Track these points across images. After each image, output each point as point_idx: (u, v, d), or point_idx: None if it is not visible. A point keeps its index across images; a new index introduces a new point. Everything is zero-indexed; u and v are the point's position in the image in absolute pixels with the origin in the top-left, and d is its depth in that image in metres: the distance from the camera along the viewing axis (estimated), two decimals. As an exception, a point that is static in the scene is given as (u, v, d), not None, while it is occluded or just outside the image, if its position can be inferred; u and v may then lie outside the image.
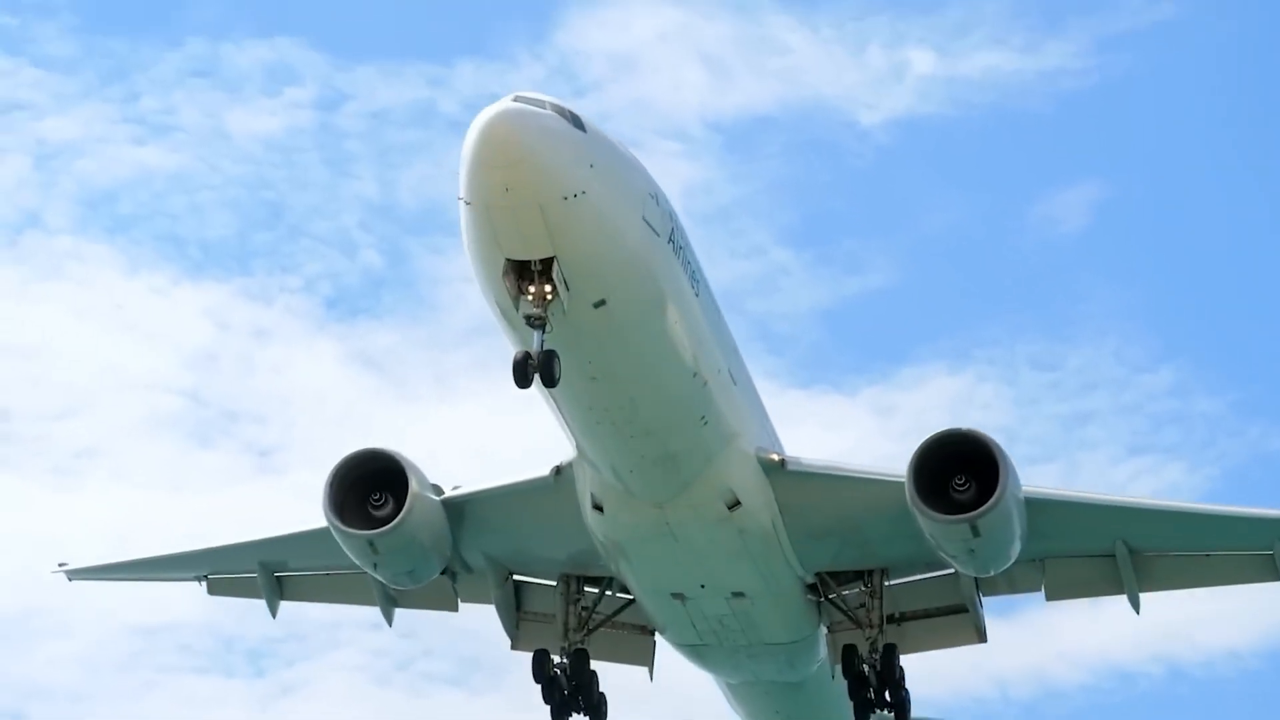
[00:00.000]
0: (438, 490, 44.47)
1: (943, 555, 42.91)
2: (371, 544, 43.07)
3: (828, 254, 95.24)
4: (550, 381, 35.85)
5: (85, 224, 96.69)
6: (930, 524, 41.47)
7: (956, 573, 46.03)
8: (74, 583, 51.20)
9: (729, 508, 42.46)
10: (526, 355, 35.75)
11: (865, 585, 46.47)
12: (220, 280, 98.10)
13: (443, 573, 46.59)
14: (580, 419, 39.54)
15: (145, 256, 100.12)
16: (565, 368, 37.28)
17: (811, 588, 46.53)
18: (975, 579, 46.28)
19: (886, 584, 46.64)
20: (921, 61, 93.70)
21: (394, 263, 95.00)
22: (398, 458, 43.32)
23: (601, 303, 36.28)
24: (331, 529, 43.33)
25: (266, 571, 48.64)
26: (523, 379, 35.72)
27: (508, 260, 35.32)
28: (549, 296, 35.58)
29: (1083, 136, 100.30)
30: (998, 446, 41.19)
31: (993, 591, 47.17)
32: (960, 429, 41.63)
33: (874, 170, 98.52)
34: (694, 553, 43.62)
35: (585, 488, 42.87)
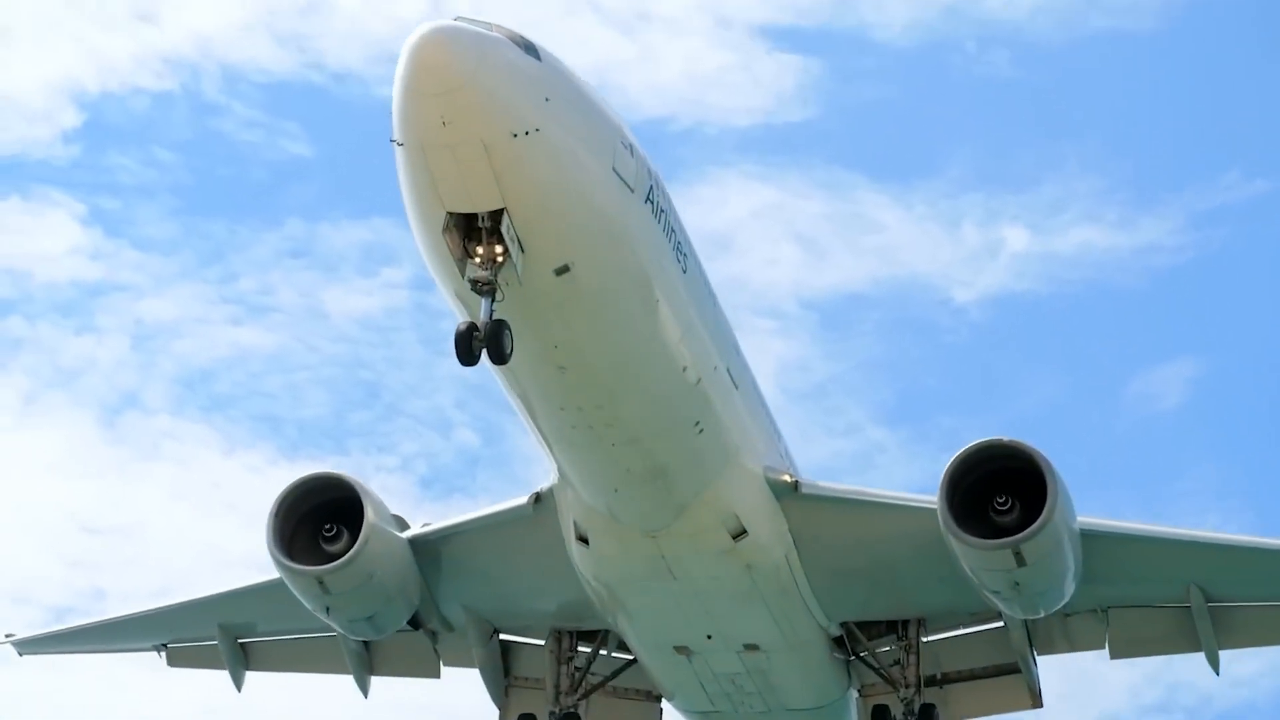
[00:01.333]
0: (402, 524, 38.64)
1: (986, 595, 36.72)
2: (321, 582, 37.25)
3: (924, 431, 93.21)
4: (499, 357, 29.98)
5: (183, 404, 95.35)
6: (967, 552, 35.33)
7: (1006, 626, 39.87)
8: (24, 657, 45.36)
9: (733, 538, 36.44)
10: (471, 326, 29.92)
11: (900, 639, 40.28)
12: (316, 459, 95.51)
13: (420, 628, 40.85)
14: (553, 424, 33.69)
15: (242, 436, 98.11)
16: (529, 354, 31.59)
17: (839, 643, 40.38)
18: (1028, 633, 40.08)
19: (924, 639, 40.45)
20: (1015, 239, 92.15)
21: (489, 441, 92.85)
22: (353, 484, 37.58)
23: (564, 269, 30.48)
24: (276, 566, 37.51)
25: (229, 637, 42.80)
26: (467, 354, 29.86)
27: (450, 214, 29.56)
28: (499, 259, 29.78)
29: (1179, 312, 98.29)
30: (1046, 461, 35.11)
31: (1050, 649, 40.92)
32: (1002, 439, 35.56)
33: (969, 347, 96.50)
34: (696, 594, 37.59)
35: (568, 515, 36.99)
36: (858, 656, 40.59)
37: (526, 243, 29.70)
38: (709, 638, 38.90)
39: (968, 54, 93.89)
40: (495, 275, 29.66)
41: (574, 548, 37.34)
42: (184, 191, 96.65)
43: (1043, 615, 37.56)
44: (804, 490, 36.98)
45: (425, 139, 28.71)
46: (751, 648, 39.04)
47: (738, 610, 38.01)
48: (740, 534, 36.32)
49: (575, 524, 36.79)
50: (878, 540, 37.55)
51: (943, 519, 35.14)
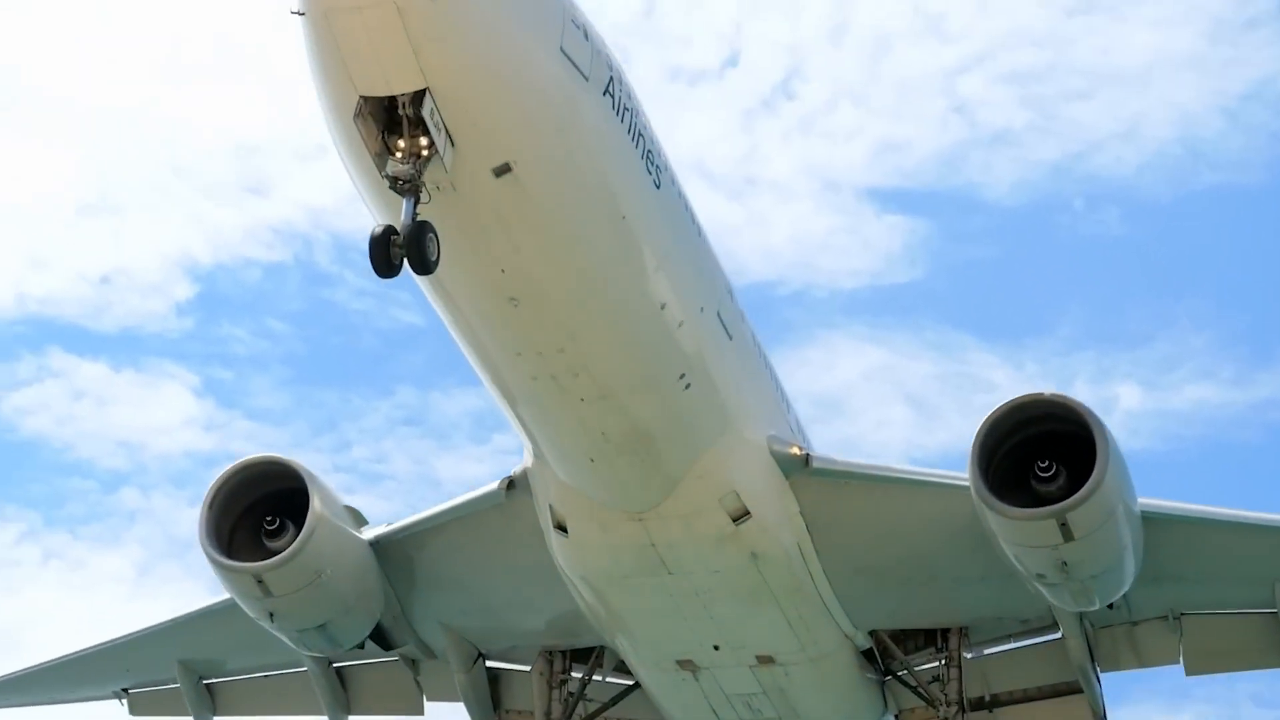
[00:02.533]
0: (358, 519, 33.59)
1: (1031, 583, 31.31)
2: (260, 581, 32.22)
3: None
4: (423, 264, 24.75)
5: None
6: (1005, 526, 29.97)
7: (1063, 638, 34.39)
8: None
9: (734, 520, 31.22)
10: (388, 230, 24.81)
11: (939, 651, 34.83)
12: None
13: (395, 651, 35.76)
14: (512, 376, 28.62)
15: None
16: (472, 281, 26.77)
17: (870, 660, 34.97)
18: (1089, 645, 34.53)
19: (969, 655, 35.09)
20: (1129, 396, 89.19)
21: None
22: (299, 470, 32.55)
23: (505, 169, 25.42)
24: (210, 564, 32.50)
25: (191, 677, 37.77)
26: (385, 265, 24.71)
27: (364, 99, 24.58)
28: (424, 153, 24.73)
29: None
30: (1095, 418, 29.74)
31: (1115, 664, 35.35)
32: (1042, 393, 30.26)
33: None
34: (696, 593, 32.37)
35: (544, 499, 31.87)
36: (893, 675, 35.15)
37: (456, 134, 24.70)
38: (716, 649, 33.63)
39: (1076, 212, 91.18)
40: (419, 172, 24.64)
41: (553, 538, 32.22)
42: (296, 361, 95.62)
43: (1099, 607, 32.01)
44: (816, 465, 31.75)
45: (329, 3, 23.80)
46: (766, 660, 33.72)
47: (746, 613, 32.75)
48: (742, 516, 31.11)
49: (552, 509, 31.68)
50: (907, 526, 32.25)
51: (975, 487, 29.83)
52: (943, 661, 34.60)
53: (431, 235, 24.65)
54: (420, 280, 26.85)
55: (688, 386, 29.07)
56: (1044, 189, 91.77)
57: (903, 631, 34.90)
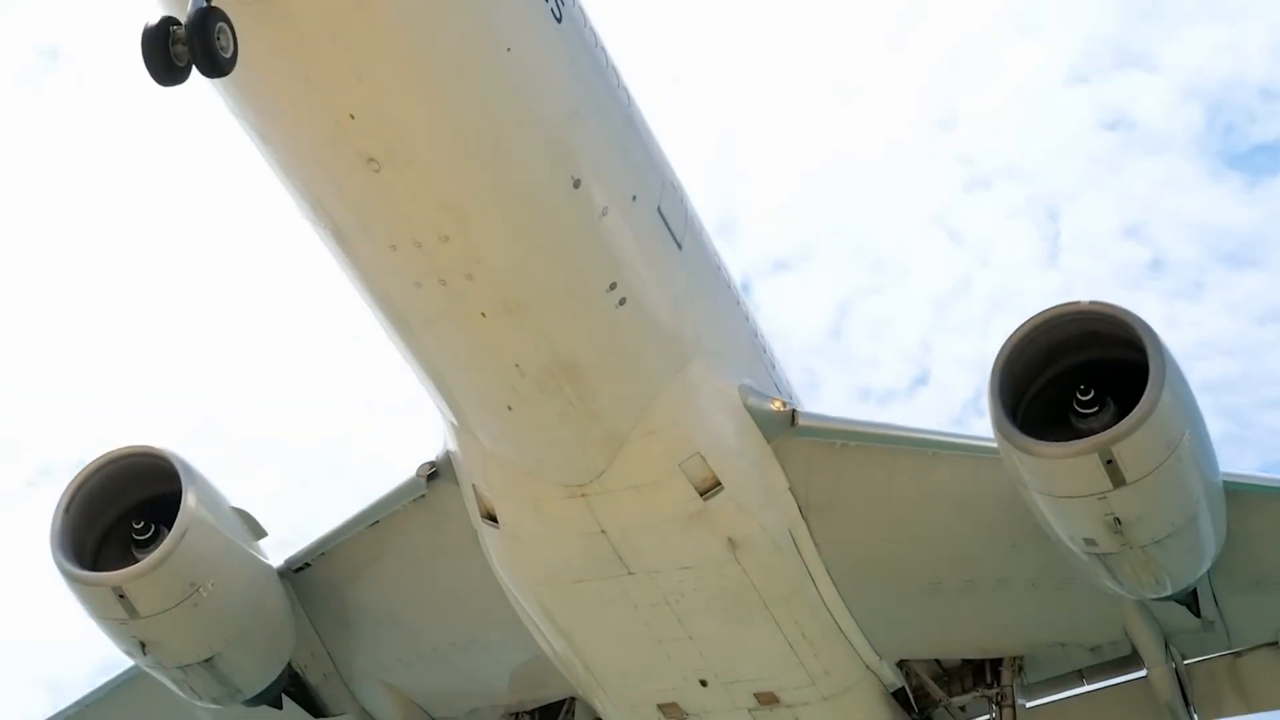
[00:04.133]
0: (255, 529, 27.23)
1: (1084, 567, 24.42)
2: (122, 596, 25.80)
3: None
4: (211, 61, 18.61)
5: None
6: (1036, 471, 23.14)
7: (1147, 676, 27.38)
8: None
9: (702, 494, 24.65)
10: (168, 21, 18.76)
11: (989, 688, 27.81)
12: None
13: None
14: (395, 284, 22.34)
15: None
16: (315, 135, 20.67)
17: (903, 702, 28.05)
18: (1180, 683, 27.37)
19: (1025, 702, 28.01)
20: None
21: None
22: (173, 461, 26.27)
23: None
24: (62, 577, 26.15)
25: None
26: (163, 69, 18.62)
27: None
28: None
29: None
30: (1149, 329, 22.97)
31: (1216, 711, 28.19)
32: (1078, 302, 23.52)
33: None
34: (665, 599, 25.78)
35: (468, 481, 25.50)
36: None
37: None
38: (703, 684, 26.92)
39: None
40: None
41: (484, 534, 25.82)
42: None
43: (1174, 595, 24.91)
44: (805, 423, 25.15)
45: None
46: (768, 700, 26.98)
47: (734, 630, 26.08)
48: (712, 488, 24.58)
49: (477, 491, 25.28)
50: (932, 507, 25.53)
51: (994, 420, 23.12)
52: (993, 703, 27.50)
53: (223, 24, 18.61)
54: (256, 142, 20.85)
55: (622, 303, 22.71)
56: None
57: (941, 665, 27.92)
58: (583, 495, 24.38)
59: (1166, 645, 26.99)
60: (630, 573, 25.27)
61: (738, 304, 25.43)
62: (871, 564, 25.88)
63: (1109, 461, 22.30)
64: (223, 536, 26.13)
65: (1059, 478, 22.75)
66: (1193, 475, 22.99)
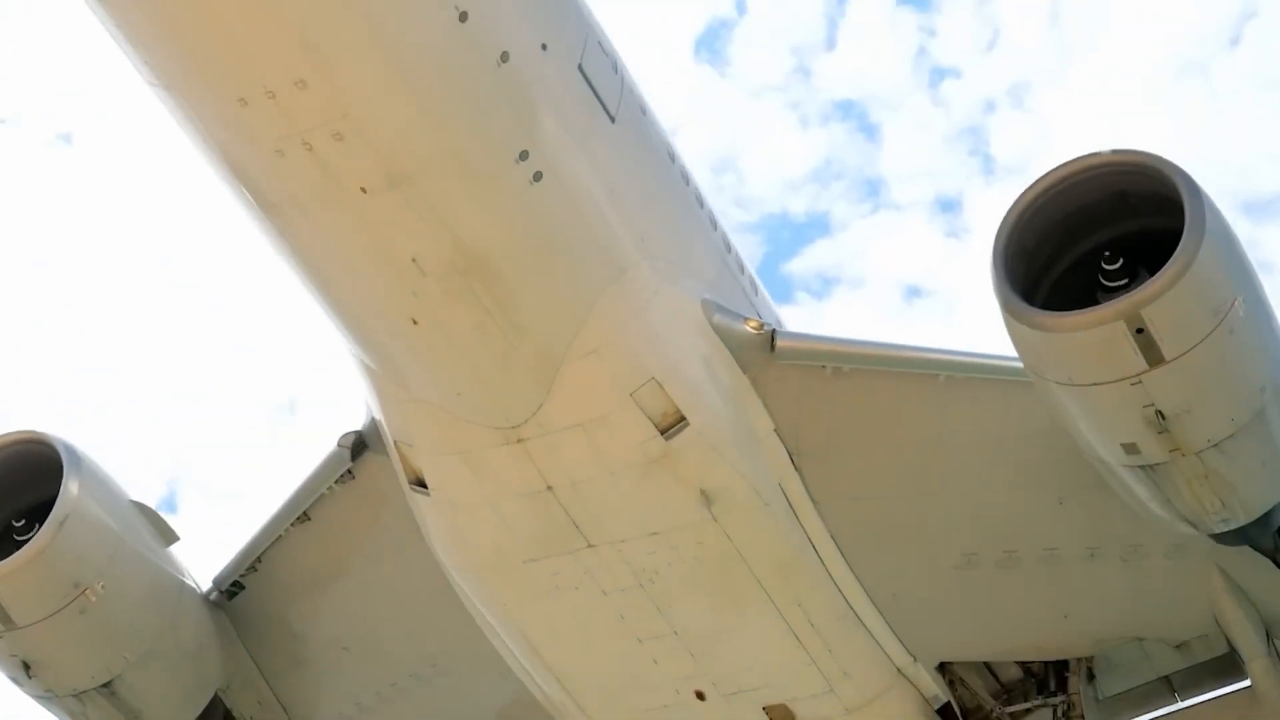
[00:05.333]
0: (157, 524, 23.02)
1: (1121, 485, 19.65)
2: None
3: None
4: None
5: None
6: (1053, 351, 18.50)
7: (1252, 686, 22.28)
8: None
9: (663, 431, 20.22)
10: None
11: (1053, 697, 22.90)
12: None
13: None
14: (250, 156, 18.21)
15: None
16: None
17: (949, 717, 23.18)
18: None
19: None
20: None
21: None
22: (58, 446, 22.21)
23: None
24: None
25: None
26: None
27: None
28: None
29: None
30: (1184, 175, 18.38)
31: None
32: (1100, 153, 18.94)
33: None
34: (636, 579, 21.40)
35: (391, 441, 21.25)
36: None
37: None
38: (700, 696, 22.27)
39: None
40: None
41: (419, 510, 21.55)
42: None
43: (1247, 523, 19.88)
44: (785, 344, 20.76)
45: None
46: (781, 716, 22.26)
47: (725, 618, 21.44)
48: (675, 424, 20.22)
49: (400, 450, 21.02)
50: (956, 448, 20.91)
51: (998, 293, 18.60)
52: (1059, 710, 22.58)
53: None
54: None
55: (537, 178, 18.55)
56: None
57: (993, 673, 23.07)
58: (519, 441, 20.08)
59: (1269, 636, 22.01)
60: (590, 544, 20.85)
61: (700, 207, 21.13)
62: (883, 526, 21.27)
63: (1139, 331, 17.69)
64: (114, 532, 22.05)
65: (1081, 357, 18.15)
66: (1253, 355, 18.33)
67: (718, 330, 20.33)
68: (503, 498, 20.60)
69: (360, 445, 22.08)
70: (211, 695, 23.50)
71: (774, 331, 20.60)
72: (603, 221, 19.29)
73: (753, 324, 20.60)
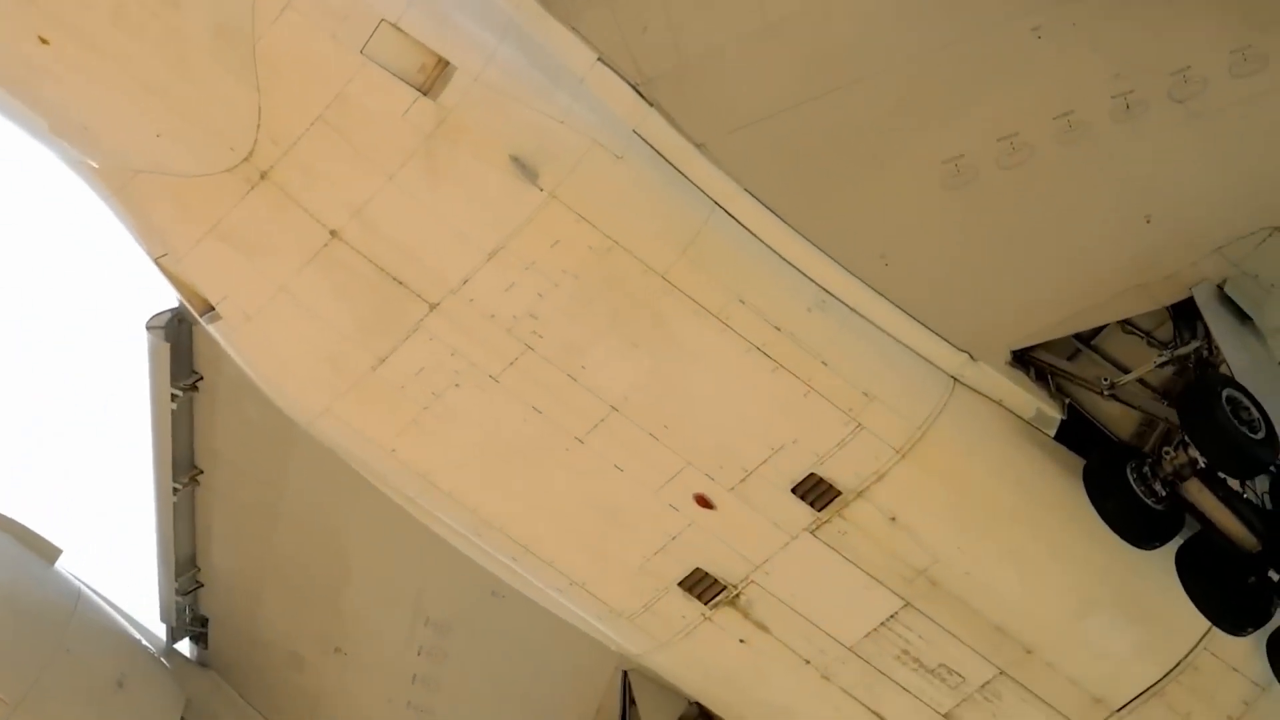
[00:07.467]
0: (44, 549, 18.34)
1: None
2: None
3: None
4: None
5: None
6: None
7: None
8: None
9: (423, 89, 14.81)
10: None
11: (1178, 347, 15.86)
12: None
13: None
14: None
15: None
16: None
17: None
18: None
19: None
20: None
21: None
22: None
23: None
24: None
25: None
26: None
27: None
28: None
29: None
30: None
31: None
32: None
33: None
34: (519, 341, 15.68)
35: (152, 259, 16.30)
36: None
37: None
38: (704, 504, 16.23)
39: None
40: None
41: (225, 346, 16.30)
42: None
43: None
44: None
45: None
46: (814, 489, 16.00)
47: (656, 360, 15.62)
48: (433, 71, 14.76)
49: (163, 268, 16.00)
50: None
51: None
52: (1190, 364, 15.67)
53: None
54: None
55: None
56: None
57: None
58: (262, 176, 14.93)
59: None
60: (431, 304, 15.32)
61: None
62: (811, 154, 15.27)
63: None
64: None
65: None
66: None
67: None
68: (290, 275, 15.30)
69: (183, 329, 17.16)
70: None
71: None
72: None
73: None
